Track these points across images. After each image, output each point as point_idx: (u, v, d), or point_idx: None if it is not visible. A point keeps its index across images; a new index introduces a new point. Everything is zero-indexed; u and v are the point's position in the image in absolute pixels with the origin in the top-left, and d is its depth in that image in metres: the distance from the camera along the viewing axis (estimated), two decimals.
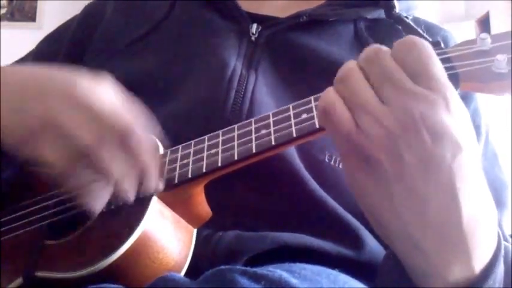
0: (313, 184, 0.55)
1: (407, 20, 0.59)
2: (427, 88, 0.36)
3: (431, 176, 0.35)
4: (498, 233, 0.40)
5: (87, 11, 0.76)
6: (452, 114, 0.36)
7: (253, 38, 0.64)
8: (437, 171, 0.35)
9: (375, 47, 0.39)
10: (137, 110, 0.48)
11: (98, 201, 0.46)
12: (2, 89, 0.47)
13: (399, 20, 0.61)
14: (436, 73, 0.37)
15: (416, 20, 0.62)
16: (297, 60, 0.63)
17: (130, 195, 0.47)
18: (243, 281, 0.36)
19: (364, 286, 0.48)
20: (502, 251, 0.40)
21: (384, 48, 0.39)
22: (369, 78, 0.38)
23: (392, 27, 0.63)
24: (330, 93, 0.39)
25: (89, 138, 0.44)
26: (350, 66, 0.39)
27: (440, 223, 0.36)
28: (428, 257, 0.37)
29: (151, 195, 0.47)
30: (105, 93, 0.47)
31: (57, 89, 0.46)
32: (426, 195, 0.36)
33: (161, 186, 0.49)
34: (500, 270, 0.39)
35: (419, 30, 0.55)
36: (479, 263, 0.37)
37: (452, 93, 0.36)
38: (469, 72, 0.42)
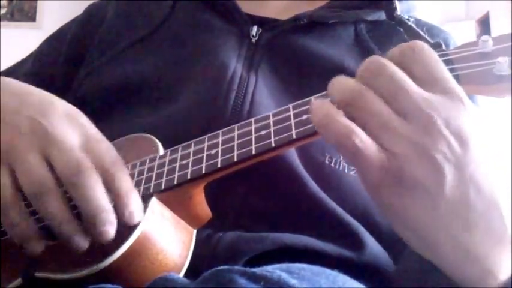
0: (313, 185, 0.55)
1: (409, 22, 0.59)
2: (442, 93, 0.36)
3: (470, 180, 0.35)
4: None
5: (88, 12, 0.76)
6: (470, 115, 0.35)
7: (253, 40, 0.64)
8: (474, 174, 0.35)
9: (374, 59, 0.37)
10: (109, 145, 0.47)
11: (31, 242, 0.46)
12: None
13: (400, 22, 0.60)
14: (447, 76, 0.36)
15: (417, 21, 0.62)
16: (297, 62, 0.63)
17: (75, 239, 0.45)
18: (242, 281, 0.36)
19: (363, 286, 0.48)
20: None
21: (383, 58, 0.37)
22: (379, 94, 0.36)
23: (393, 29, 0.62)
24: (342, 123, 0.35)
25: (43, 175, 0.43)
26: (351, 85, 0.37)
27: (486, 223, 0.35)
28: (481, 262, 0.36)
29: (151, 196, 0.47)
30: (77, 126, 0.46)
31: (28, 112, 0.46)
32: (469, 200, 0.35)
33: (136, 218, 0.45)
34: None
35: (420, 32, 0.55)
36: None
37: (463, 94, 0.36)
38: (470, 75, 0.42)
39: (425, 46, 0.37)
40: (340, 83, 0.38)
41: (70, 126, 0.46)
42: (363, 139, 0.35)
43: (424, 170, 0.34)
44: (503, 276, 0.36)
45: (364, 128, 0.36)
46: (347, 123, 0.36)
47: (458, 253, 0.36)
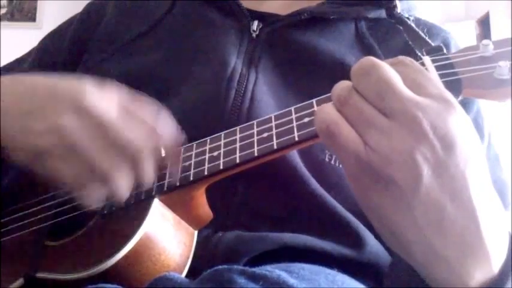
0: (314, 184, 0.55)
1: (409, 21, 0.59)
2: (429, 97, 0.36)
3: (447, 185, 0.35)
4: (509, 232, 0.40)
5: (88, 9, 0.76)
6: (458, 121, 0.35)
7: (254, 36, 0.64)
8: (452, 181, 0.35)
9: (366, 59, 0.38)
10: (147, 104, 0.48)
11: (97, 202, 0.46)
12: (3, 105, 0.47)
13: (400, 20, 0.60)
14: (436, 81, 0.37)
15: (417, 20, 0.62)
16: (298, 57, 0.63)
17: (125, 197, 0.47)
18: (241, 280, 0.36)
19: (362, 286, 0.48)
20: None
21: (377, 61, 0.38)
22: (367, 95, 0.37)
23: (394, 28, 0.62)
24: (330, 113, 0.37)
25: (101, 155, 0.44)
26: (346, 85, 0.38)
27: (460, 230, 0.36)
28: (451, 265, 0.36)
29: (153, 197, 0.48)
30: (112, 100, 0.46)
31: (63, 103, 0.46)
32: (444, 205, 0.35)
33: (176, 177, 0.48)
34: None
35: (420, 32, 0.55)
36: (497, 265, 0.37)
37: (454, 100, 0.36)
38: (471, 79, 0.42)
39: (408, 60, 0.38)
40: (336, 86, 0.39)
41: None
42: (342, 125, 0.36)
43: (401, 169, 0.35)
44: (473, 283, 0.36)
45: (352, 125, 0.37)
46: (335, 113, 0.37)
47: (428, 255, 0.36)
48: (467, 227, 0.36)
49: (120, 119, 0.45)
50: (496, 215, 0.37)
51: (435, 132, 0.34)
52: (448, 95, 0.36)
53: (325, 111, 0.37)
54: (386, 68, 0.37)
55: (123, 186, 0.45)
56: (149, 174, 0.47)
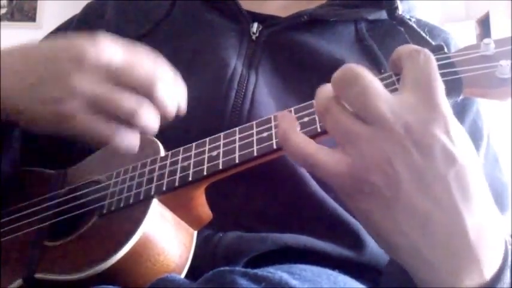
0: (314, 185, 0.55)
1: (410, 22, 0.59)
2: (417, 100, 0.36)
3: (428, 190, 0.35)
4: (504, 237, 0.40)
5: (87, 11, 0.76)
6: (441, 126, 0.35)
7: (253, 38, 0.64)
8: (432, 185, 0.35)
9: (346, 69, 0.38)
10: (142, 50, 0.49)
11: (134, 143, 0.48)
12: (5, 83, 0.47)
13: (401, 21, 0.60)
14: (430, 85, 0.36)
15: (418, 22, 0.62)
16: (298, 59, 0.63)
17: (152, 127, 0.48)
18: (243, 282, 0.36)
19: (364, 287, 0.48)
20: (510, 255, 0.39)
21: (355, 67, 0.38)
22: (348, 103, 0.37)
23: (394, 29, 0.62)
24: (303, 147, 0.38)
25: (121, 101, 0.45)
26: (324, 97, 0.38)
27: (445, 235, 0.36)
28: (437, 270, 0.36)
29: (152, 197, 0.48)
30: (111, 48, 0.47)
31: (68, 65, 0.46)
32: (427, 209, 0.35)
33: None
34: (509, 274, 0.39)
35: (421, 33, 0.54)
36: (489, 270, 0.37)
37: (442, 106, 0.36)
38: (472, 78, 0.41)
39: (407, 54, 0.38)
40: (319, 91, 0.39)
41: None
42: (317, 159, 0.37)
43: (381, 176, 0.35)
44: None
45: (333, 135, 0.38)
46: (306, 147, 0.37)
47: (415, 258, 0.37)
48: (453, 232, 0.36)
49: (126, 60, 0.46)
50: (490, 221, 0.37)
51: (411, 138, 0.35)
52: (439, 102, 0.36)
53: (297, 146, 0.38)
54: (366, 79, 0.37)
55: (150, 119, 0.47)
56: (168, 101, 0.48)
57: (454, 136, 0.36)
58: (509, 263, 0.38)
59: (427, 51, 0.38)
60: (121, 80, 0.46)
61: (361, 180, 0.36)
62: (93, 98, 0.45)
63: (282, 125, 0.39)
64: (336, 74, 0.38)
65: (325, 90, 0.39)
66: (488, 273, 0.37)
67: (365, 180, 0.35)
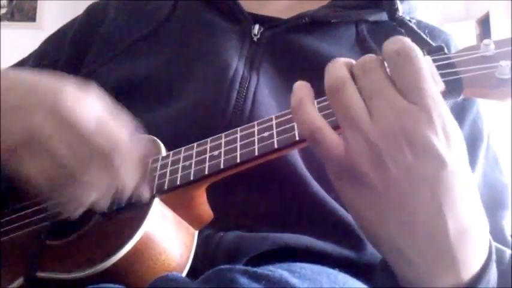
0: (315, 185, 0.55)
1: (411, 24, 0.59)
2: (413, 103, 0.37)
3: (415, 189, 0.36)
4: (490, 240, 0.41)
5: (89, 12, 0.76)
6: (436, 130, 0.36)
7: (255, 39, 0.64)
8: (420, 185, 0.36)
9: (369, 57, 0.39)
10: (125, 119, 0.47)
11: (78, 209, 0.46)
12: None
13: (402, 23, 0.60)
14: (423, 88, 0.37)
15: (418, 23, 0.62)
16: (299, 61, 0.63)
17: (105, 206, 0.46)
18: (244, 280, 0.37)
19: (364, 286, 0.48)
20: (494, 258, 0.40)
21: (379, 59, 0.39)
22: (361, 89, 0.38)
23: (395, 30, 0.62)
24: (314, 118, 0.39)
25: (71, 159, 0.43)
26: (341, 75, 0.39)
27: (426, 235, 0.37)
28: (416, 267, 0.37)
29: (153, 197, 0.48)
30: (90, 106, 0.45)
31: (40, 102, 0.45)
32: (412, 207, 0.36)
33: (147, 195, 0.48)
34: (491, 277, 0.40)
35: (422, 34, 0.55)
36: (468, 273, 0.38)
37: (442, 110, 0.37)
38: (472, 78, 0.42)
39: (412, 52, 0.38)
40: (333, 67, 0.40)
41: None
42: (326, 131, 0.38)
43: (373, 168, 0.36)
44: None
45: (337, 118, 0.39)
46: (319, 119, 0.38)
47: (394, 253, 0.38)
48: (434, 233, 0.37)
49: (95, 124, 0.44)
50: (475, 226, 0.38)
51: (406, 136, 0.36)
52: (438, 105, 0.37)
53: (309, 116, 0.39)
54: (382, 72, 0.38)
55: (94, 187, 0.44)
56: (126, 179, 0.46)
57: (448, 140, 0.37)
58: (492, 267, 0.39)
59: (406, 49, 0.38)
60: (80, 140, 0.44)
61: (355, 168, 0.37)
62: (45, 145, 0.43)
63: (299, 93, 0.40)
64: (360, 60, 0.39)
65: (339, 67, 0.40)
66: (467, 277, 0.38)
67: (359, 169, 0.37)
